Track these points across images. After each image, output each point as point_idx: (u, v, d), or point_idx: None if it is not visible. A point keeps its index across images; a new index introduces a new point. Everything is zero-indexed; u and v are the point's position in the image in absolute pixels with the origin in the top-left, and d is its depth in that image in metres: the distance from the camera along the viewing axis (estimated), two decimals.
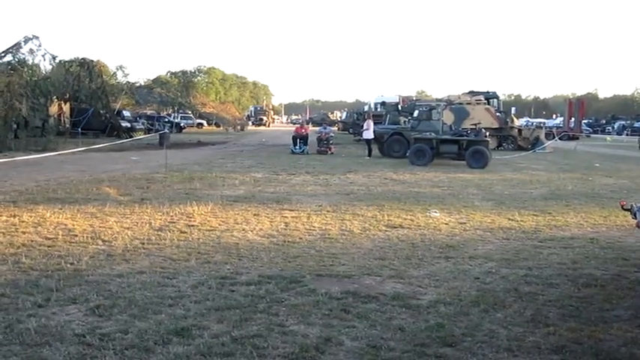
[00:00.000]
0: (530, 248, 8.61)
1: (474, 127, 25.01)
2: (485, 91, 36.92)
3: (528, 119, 71.84)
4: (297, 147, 28.28)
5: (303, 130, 30.43)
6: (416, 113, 29.32)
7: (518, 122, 42.43)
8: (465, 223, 10.47)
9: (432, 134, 23.91)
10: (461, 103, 32.67)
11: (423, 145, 22.87)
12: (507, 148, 32.20)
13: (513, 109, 46.11)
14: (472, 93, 35.90)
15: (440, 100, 35.32)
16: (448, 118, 28.86)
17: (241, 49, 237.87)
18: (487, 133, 24.48)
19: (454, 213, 11.42)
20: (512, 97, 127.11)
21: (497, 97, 37.12)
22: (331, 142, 28.65)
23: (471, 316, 5.60)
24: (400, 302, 5.96)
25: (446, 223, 10.36)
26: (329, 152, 27.48)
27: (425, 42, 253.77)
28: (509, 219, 10.88)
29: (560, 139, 38.18)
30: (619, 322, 5.53)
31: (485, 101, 33.78)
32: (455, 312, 5.72)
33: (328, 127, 32.79)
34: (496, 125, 32.06)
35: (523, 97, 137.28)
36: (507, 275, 7.09)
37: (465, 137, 23.28)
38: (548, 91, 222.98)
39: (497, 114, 33.52)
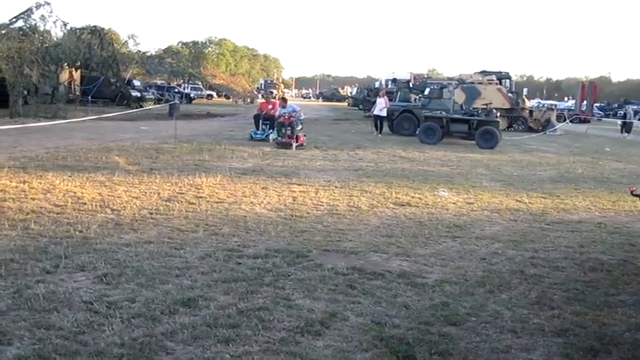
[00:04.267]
0: (537, 230, 8.61)
1: (484, 106, 24.89)
2: (498, 71, 36.60)
3: (540, 101, 71.27)
4: (260, 131, 20.37)
5: (270, 107, 21.43)
6: (427, 91, 29.18)
7: (530, 103, 42.08)
8: (472, 203, 10.47)
9: (443, 113, 23.82)
10: (472, 83, 32.44)
11: (433, 124, 22.79)
12: (518, 129, 32.02)
13: (525, 90, 45.85)
14: (484, 72, 35.59)
15: (451, 79, 35.06)
16: (459, 97, 28.70)
17: (253, 21, 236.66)
18: (498, 114, 24.35)
19: (462, 193, 11.41)
20: (525, 78, 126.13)
21: (509, 78, 36.81)
22: (299, 128, 19.11)
23: (476, 296, 5.62)
24: (406, 280, 5.98)
25: (454, 203, 10.36)
26: (293, 145, 17.87)
27: (438, 19, 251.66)
28: (517, 200, 10.86)
29: (571, 121, 37.96)
30: (624, 308, 5.54)
31: (497, 81, 33.52)
32: (460, 292, 5.74)
33: (292, 106, 20.21)
34: (507, 106, 31.87)
35: (535, 78, 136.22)
36: (513, 257, 7.10)
37: (476, 117, 23.18)
38: (562, 73, 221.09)
39: (509, 94, 33.30)
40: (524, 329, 4.91)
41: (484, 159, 17.83)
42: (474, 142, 21.96)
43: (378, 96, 27.60)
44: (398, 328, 4.78)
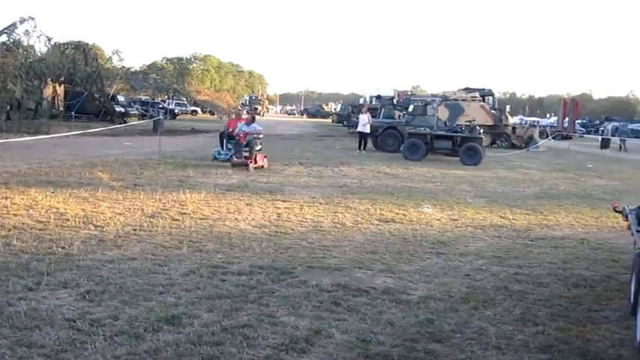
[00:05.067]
0: (521, 247, 8.65)
1: (468, 123, 25.06)
2: (481, 88, 36.94)
3: (522, 117, 71.93)
4: (225, 151, 17.13)
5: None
6: (411, 108, 29.34)
7: (513, 120, 42.47)
8: (456, 219, 10.50)
9: (427, 129, 23.94)
10: (456, 100, 32.68)
11: (417, 140, 22.90)
12: (501, 146, 32.23)
13: (508, 106, 46.06)
14: (467, 90, 35.92)
15: (435, 96, 35.28)
16: (443, 113, 28.85)
17: (238, 38, 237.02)
18: (481, 130, 24.52)
19: (446, 209, 11.44)
20: (507, 95, 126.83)
21: (492, 95, 37.15)
22: (258, 148, 16.85)
23: (461, 313, 5.63)
24: (390, 297, 5.98)
25: (438, 219, 10.39)
26: (249, 166, 15.99)
27: (422, 37, 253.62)
28: (500, 217, 10.91)
29: (553, 138, 38.29)
30: (607, 324, 5.57)
31: (481, 98, 33.80)
32: (445, 308, 5.75)
33: (255, 126, 17.56)
34: (490, 122, 32.11)
35: (518, 95, 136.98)
36: (498, 273, 7.12)
37: (459, 133, 23.32)
38: (543, 90, 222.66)
39: (492, 111, 33.57)
40: (509, 346, 4.92)
41: (468, 175, 17.92)
42: (457, 158, 22.07)
43: (360, 112, 27.68)
44: (383, 345, 4.77)
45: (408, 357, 4.56)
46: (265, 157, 17.14)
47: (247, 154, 16.31)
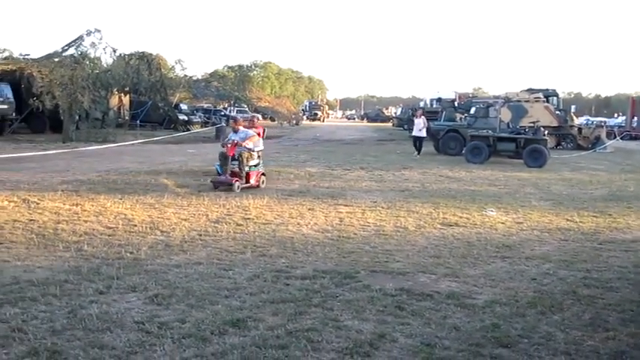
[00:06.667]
0: (589, 250, 8.42)
1: (532, 125, 24.59)
2: (545, 88, 36.16)
3: (588, 118, 70.10)
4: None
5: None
6: (473, 110, 28.90)
7: (578, 121, 41.47)
8: (521, 222, 10.31)
9: (489, 132, 23.59)
10: (519, 101, 32.11)
11: (479, 143, 22.61)
12: (566, 147, 31.51)
13: (573, 107, 44.96)
14: (531, 90, 35.21)
15: (497, 97, 34.73)
16: (506, 115, 28.37)
17: (297, 44, 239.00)
18: (545, 132, 24.02)
19: (511, 212, 11.25)
20: (572, 95, 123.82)
21: (556, 95, 36.32)
22: (254, 163, 13.37)
23: (528, 318, 5.52)
24: (455, 301, 5.91)
25: (502, 223, 10.22)
26: (235, 185, 12.55)
27: (484, 37, 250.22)
28: (567, 220, 10.66)
29: (621, 138, 37.19)
30: None
31: (545, 99, 33.11)
32: (511, 313, 5.65)
33: (244, 131, 13.61)
34: (555, 124, 31.44)
35: (584, 95, 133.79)
36: (565, 277, 6.96)
37: (523, 135, 22.90)
38: (611, 89, 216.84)
39: (557, 112, 32.84)
40: (578, 352, 4.80)
41: (532, 178, 17.57)
42: (521, 161, 21.68)
43: (414, 117, 27.44)
44: (448, 350, 4.72)
45: None
46: (263, 174, 13.78)
47: (236, 169, 12.98)
